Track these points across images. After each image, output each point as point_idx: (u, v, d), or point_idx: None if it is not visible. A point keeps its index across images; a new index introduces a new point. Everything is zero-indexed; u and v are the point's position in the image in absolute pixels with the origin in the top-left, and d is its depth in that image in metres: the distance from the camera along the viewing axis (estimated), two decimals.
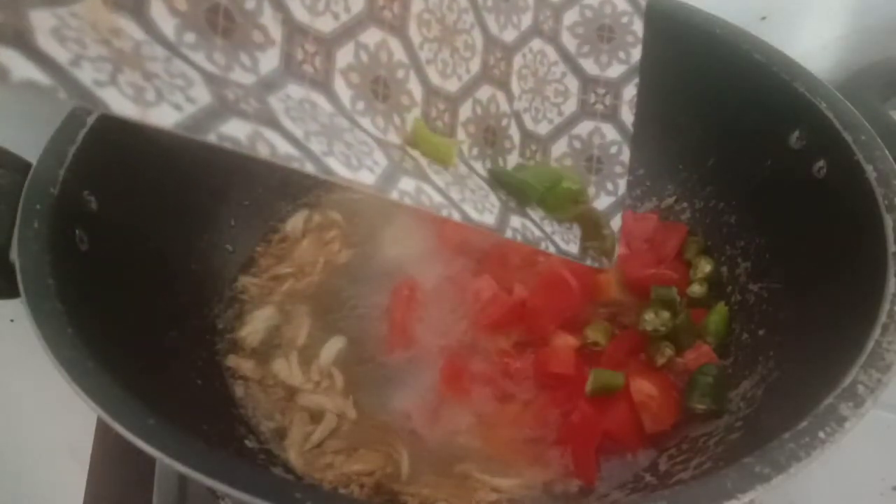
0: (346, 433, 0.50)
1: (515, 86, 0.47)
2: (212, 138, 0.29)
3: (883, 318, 0.38)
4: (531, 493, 0.47)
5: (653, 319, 0.53)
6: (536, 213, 0.46)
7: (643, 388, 0.50)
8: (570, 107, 0.51)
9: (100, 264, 0.43)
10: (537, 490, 0.47)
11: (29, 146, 0.44)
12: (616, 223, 0.51)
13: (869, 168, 0.44)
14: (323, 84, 0.36)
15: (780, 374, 0.46)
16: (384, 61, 0.39)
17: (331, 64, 0.37)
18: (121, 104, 0.26)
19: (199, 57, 0.31)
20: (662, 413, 0.50)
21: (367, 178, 0.34)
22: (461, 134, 0.44)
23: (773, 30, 0.58)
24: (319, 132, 0.33)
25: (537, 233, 0.44)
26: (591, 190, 0.51)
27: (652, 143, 0.63)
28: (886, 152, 0.45)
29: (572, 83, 0.50)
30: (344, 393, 0.52)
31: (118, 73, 0.27)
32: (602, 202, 0.51)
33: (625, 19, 0.50)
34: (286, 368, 0.54)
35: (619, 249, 0.59)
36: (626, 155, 0.51)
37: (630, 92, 0.51)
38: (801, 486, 0.53)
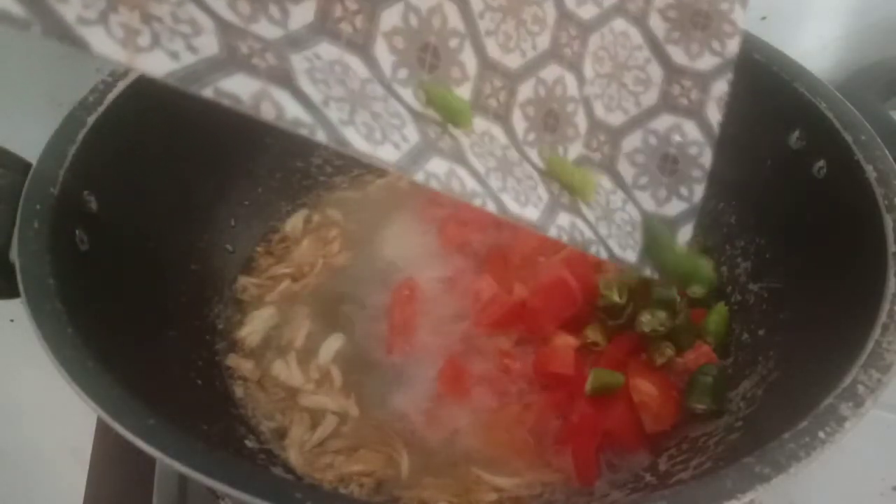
0: (347, 433, 0.50)
1: (589, 69, 0.43)
2: (207, 92, 0.26)
3: (883, 318, 0.38)
4: (531, 492, 0.47)
5: (650, 320, 0.53)
6: (593, 212, 0.42)
7: (643, 388, 0.50)
8: (651, 98, 0.46)
9: (100, 264, 0.43)
10: (537, 490, 0.47)
11: (29, 146, 0.44)
12: (686, 233, 0.47)
13: (869, 168, 0.44)
14: (361, 46, 0.33)
15: (780, 374, 0.46)
16: (436, 27, 0.35)
17: (373, 25, 0.34)
18: (106, 46, 0.24)
19: (218, 3, 0.29)
20: (662, 413, 0.50)
21: (389, 154, 0.31)
22: (517, 115, 0.40)
23: (773, 30, 0.58)
24: (343, 98, 0.30)
25: (588, 234, 0.40)
26: (663, 192, 0.47)
27: None
28: (886, 152, 0.45)
29: (656, 72, 0.45)
30: (344, 392, 0.52)
31: (111, 13, 0.25)
32: (673, 207, 0.47)
33: (724, 6, 0.45)
34: (286, 370, 0.54)
35: None
36: (707, 158, 0.46)
37: (720, 88, 0.46)
38: (801, 486, 0.53)
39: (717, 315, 0.54)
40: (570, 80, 0.42)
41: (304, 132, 0.28)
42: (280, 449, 0.49)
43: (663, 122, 0.46)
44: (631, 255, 0.43)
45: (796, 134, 0.51)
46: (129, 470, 0.59)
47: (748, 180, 0.57)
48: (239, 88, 0.27)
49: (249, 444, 0.48)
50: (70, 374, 0.34)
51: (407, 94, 0.34)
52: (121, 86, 0.48)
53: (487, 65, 0.38)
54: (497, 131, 0.39)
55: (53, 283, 0.38)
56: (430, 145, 0.33)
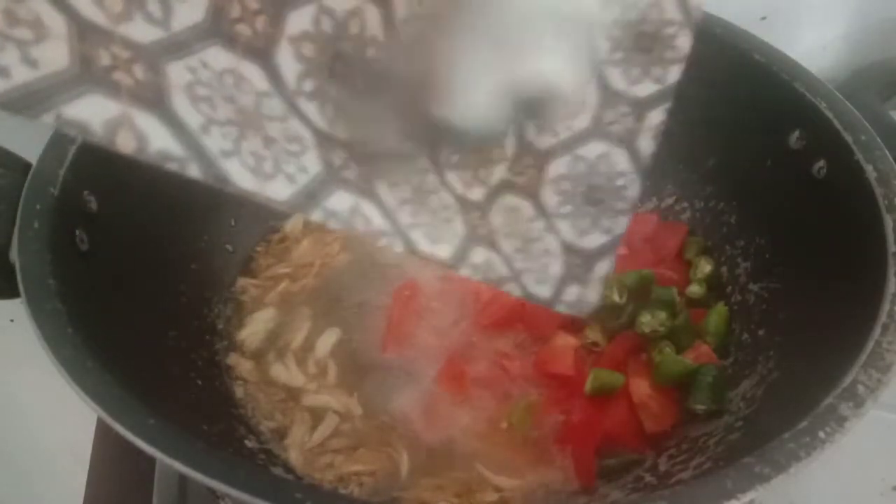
0: (347, 433, 0.50)
1: None
2: (48, 119, 0.22)
3: (883, 318, 0.38)
4: (531, 493, 0.47)
5: (650, 321, 0.53)
6: (511, 244, 0.39)
7: (642, 388, 0.50)
8: (583, 121, 0.42)
9: (100, 264, 0.43)
10: (537, 490, 0.47)
11: (29, 146, 0.44)
12: (605, 266, 0.44)
13: (869, 168, 0.44)
14: (262, 52, 0.28)
15: (780, 374, 0.46)
16: (354, 33, 0.31)
17: (278, 28, 0.29)
18: None
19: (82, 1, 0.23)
20: (662, 413, 0.50)
21: (280, 190, 0.27)
22: None
23: (773, 30, 0.58)
24: (230, 120, 0.27)
25: (502, 271, 0.38)
26: (586, 223, 0.43)
27: None
28: (886, 152, 0.45)
29: (591, 94, 0.41)
30: (347, 391, 0.52)
31: None
32: (593, 240, 0.44)
33: (670, 30, 0.41)
34: (286, 372, 0.54)
35: (621, 249, 0.59)
36: (633, 190, 0.43)
37: (656, 117, 0.42)
38: (801, 486, 0.53)
39: (717, 315, 0.54)
40: None
41: (172, 167, 0.25)
42: (280, 449, 0.49)
43: (593, 149, 0.42)
44: (546, 291, 0.41)
45: (796, 134, 0.51)
46: (129, 470, 0.59)
47: (748, 180, 0.57)
48: (91, 114, 0.23)
49: (249, 444, 0.48)
50: (70, 374, 0.34)
51: (311, 109, 0.30)
52: None
53: None
54: None
55: (53, 283, 0.38)
56: (334, 175, 0.30)
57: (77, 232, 0.43)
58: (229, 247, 0.60)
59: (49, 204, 0.42)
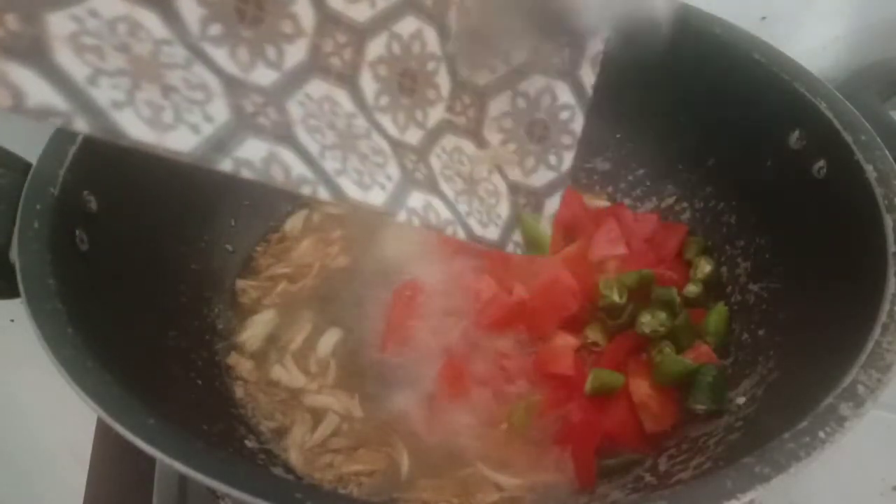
0: (347, 432, 0.50)
1: (453, 21, 0.37)
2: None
3: (883, 318, 0.38)
4: (531, 493, 0.47)
5: (650, 321, 0.52)
6: (453, 186, 0.38)
7: (642, 388, 0.50)
8: (521, 55, 0.40)
9: (100, 264, 0.43)
10: (537, 490, 0.47)
11: (29, 146, 0.44)
12: (554, 204, 0.43)
13: (869, 168, 0.44)
14: (159, 2, 0.27)
15: (780, 374, 0.46)
16: None
17: None
18: None
19: None
20: (662, 413, 0.50)
21: (182, 141, 0.26)
22: (366, 77, 0.34)
23: (773, 30, 0.58)
24: (120, 72, 0.25)
25: (445, 215, 0.37)
26: (531, 161, 0.42)
27: (652, 143, 0.63)
28: (886, 152, 0.45)
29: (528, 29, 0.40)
30: (348, 392, 0.52)
31: None
32: (540, 177, 0.43)
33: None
34: (286, 373, 0.54)
35: (621, 249, 0.59)
36: (578, 123, 0.42)
37: (595, 46, 0.40)
38: (801, 486, 0.53)
39: (717, 315, 0.54)
40: (431, 35, 0.36)
41: (56, 122, 0.24)
42: (280, 449, 0.49)
43: (534, 83, 0.41)
44: (493, 233, 0.40)
45: (796, 134, 0.51)
46: (129, 470, 0.59)
47: (748, 180, 0.57)
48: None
49: (249, 444, 0.48)
50: (70, 374, 0.34)
51: (219, 55, 0.29)
52: None
53: (328, 17, 0.32)
54: (341, 96, 0.33)
55: (53, 283, 0.38)
56: (244, 124, 0.28)
57: (77, 232, 0.43)
58: (229, 247, 0.60)
59: (49, 204, 0.42)
